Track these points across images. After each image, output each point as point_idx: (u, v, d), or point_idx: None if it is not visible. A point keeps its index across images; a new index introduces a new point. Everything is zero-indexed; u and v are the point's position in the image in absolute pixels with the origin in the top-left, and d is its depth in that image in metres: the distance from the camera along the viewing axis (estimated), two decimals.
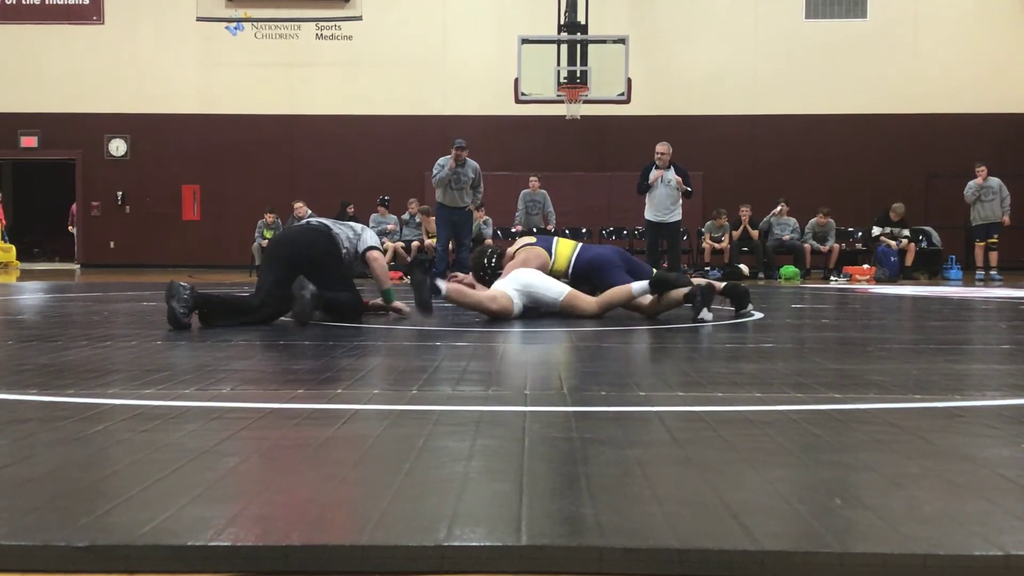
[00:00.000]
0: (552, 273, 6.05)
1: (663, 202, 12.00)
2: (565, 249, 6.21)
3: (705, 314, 5.42)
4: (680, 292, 5.56)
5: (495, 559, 1.38)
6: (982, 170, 14.21)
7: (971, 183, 14.32)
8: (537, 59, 15.20)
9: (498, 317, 5.55)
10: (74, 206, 18.67)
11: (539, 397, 2.82)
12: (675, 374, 3.47)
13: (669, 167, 12.02)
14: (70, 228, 18.81)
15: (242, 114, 18.20)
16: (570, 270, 6.18)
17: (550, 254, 6.16)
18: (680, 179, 11.88)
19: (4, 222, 18.07)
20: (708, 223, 15.79)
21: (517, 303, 5.62)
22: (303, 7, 17.69)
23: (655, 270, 6.08)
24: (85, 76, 18.17)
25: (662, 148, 11.97)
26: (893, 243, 14.46)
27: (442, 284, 5.46)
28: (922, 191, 17.65)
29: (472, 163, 11.76)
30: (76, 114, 18.22)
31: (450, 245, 12.45)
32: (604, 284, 5.96)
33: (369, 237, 6.10)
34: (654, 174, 11.91)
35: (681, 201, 12.15)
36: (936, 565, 1.36)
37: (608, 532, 1.46)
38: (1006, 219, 14.21)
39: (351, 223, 6.27)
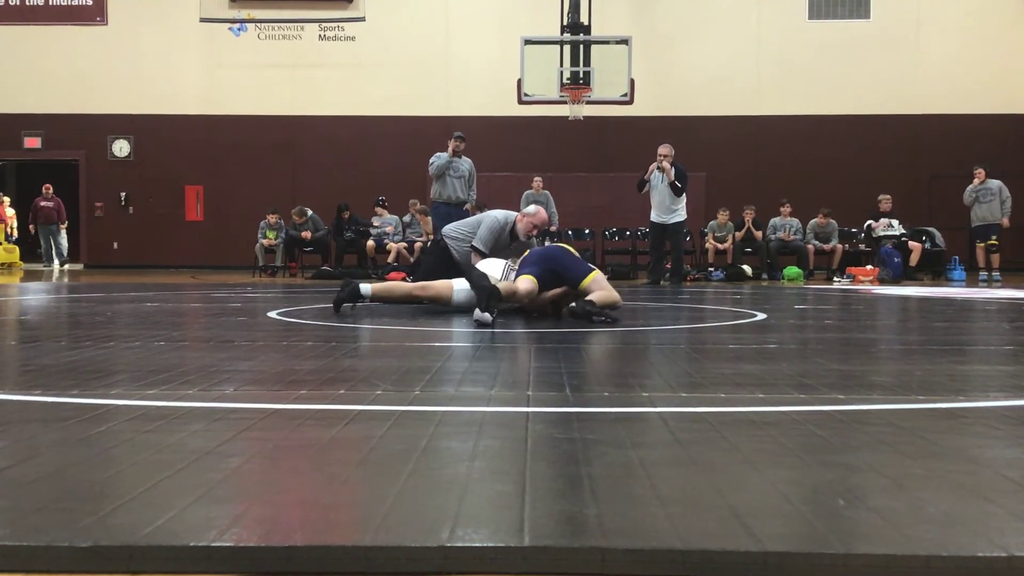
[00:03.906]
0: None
1: (663, 202, 12.17)
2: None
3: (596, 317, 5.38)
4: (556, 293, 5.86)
5: (498, 560, 1.38)
6: (979, 172, 14.20)
7: (969, 186, 14.30)
8: (540, 60, 15.19)
9: (435, 302, 6.07)
10: (37, 200, 17.65)
11: (542, 398, 2.82)
12: (678, 375, 3.46)
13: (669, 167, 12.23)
14: (31, 228, 17.84)
15: (245, 115, 18.22)
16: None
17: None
18: (669, 171, 12.10)
19: (7, 223, 18.06)
20: (711, 223, 15.80)
21: (457, 290, 5.99)
22: (306, 8, 17.70)
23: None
24: (88, 77, 18.19)
25: (664, 150, 12.15)
26: (888, 226, 14.42)
27: (366, 287, 5.97)
28: (925, 192, 17.64)
29: (467, 159, 11.78)
30: (79, 115, 18.25)
31: None
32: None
33: (477, 240, 7.03)
34: (651, 170, 12.21)
35: (684, 200, 12.28)
36: (939, 566, 1.35)
37: (611, 533, 1.45)
38: (1005, 221, 14.16)
39: (480, 225, 7.13)
